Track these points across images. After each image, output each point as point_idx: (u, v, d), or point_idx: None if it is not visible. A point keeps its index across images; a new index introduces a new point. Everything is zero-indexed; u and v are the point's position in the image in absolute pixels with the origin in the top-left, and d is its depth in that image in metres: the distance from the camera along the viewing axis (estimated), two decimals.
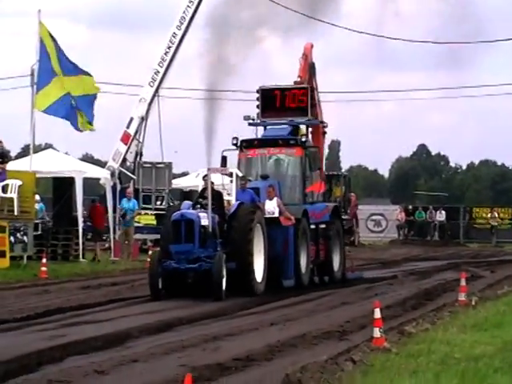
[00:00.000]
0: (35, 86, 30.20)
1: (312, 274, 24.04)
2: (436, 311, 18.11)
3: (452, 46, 31.77)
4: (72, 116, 30.51)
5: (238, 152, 24.80)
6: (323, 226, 24.98)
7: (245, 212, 21.13)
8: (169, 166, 41.75)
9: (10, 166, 30.52)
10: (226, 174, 22.88)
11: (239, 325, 16.64)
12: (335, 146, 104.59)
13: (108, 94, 48.09)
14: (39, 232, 32.09)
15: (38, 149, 35.51)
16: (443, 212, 60.64)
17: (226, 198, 21.82)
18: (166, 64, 40.20)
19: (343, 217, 51.79)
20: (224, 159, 23.90)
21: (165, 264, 20.21)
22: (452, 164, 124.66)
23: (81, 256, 31.85)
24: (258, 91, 26.60)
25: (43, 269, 26.11)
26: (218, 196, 21.01)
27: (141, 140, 42.66)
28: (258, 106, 26.36)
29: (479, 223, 60.43)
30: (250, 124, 26.47)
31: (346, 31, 37.60)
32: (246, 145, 24.97)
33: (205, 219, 20.35)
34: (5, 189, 28.30)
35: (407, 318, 17.11)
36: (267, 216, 21.98)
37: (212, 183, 21.15)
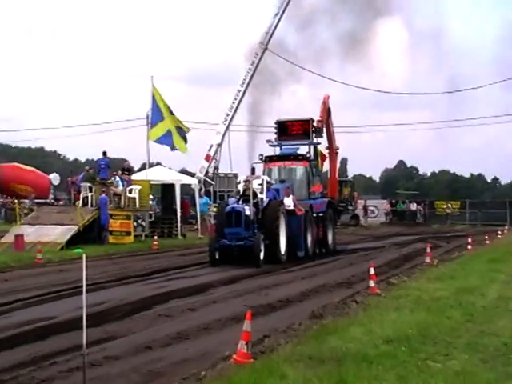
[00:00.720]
0: (149, 125, 30.53)
1: (314, 247, 23.42)
2: (411, 269, 18.02)
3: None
4: (172, 144, 30.82)
5: (262, 164, 24.31)
6: (321, 214, 24.29)
7: (273, 206, 20.75)
8: (235, 175, 42.36)
9: (134, 176, 30.84)
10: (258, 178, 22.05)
11: (281, 279, 16.68)
12: (344, 161, 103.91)
13: (198, 129, 48.57)
14: (152, 219, 32.28)
15: (151, 165, 35.65)
16: (415, 204, 60.58)
17: (259, 196, 21.10)
18: (233, 109, 40.29)
19: (349, 207, 52.08)
20: (253, 169, 22.98)
21: (221, 242, 19.61)
22: (421, 172, 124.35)
23: (179, 234, 32.02)
24: (275, 123, 26.23)
25: (155, 243, 26.31)
26: (254, 194, 20.33)
27: (217, 159, 42.88)
28: (275, 133, 26.01)
29: (439, 211, 60.11)
30: (270, 145, 26.11)
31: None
32: (268, 159, 24.57)
33: (247, 211, 19.82)
34: (130, 191, 28.60)
35: (392, 273, 17.04)
36: (286, 208, 21.48)
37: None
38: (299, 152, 25.14)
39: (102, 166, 28.28)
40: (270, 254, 19.82)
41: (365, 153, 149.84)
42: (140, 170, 42.70)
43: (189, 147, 31.97)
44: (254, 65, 38.95)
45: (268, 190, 21.82)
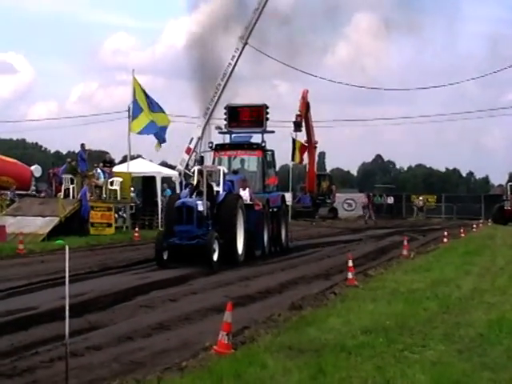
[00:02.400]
0: (131, 117, 30.33)
1: (270, 245, 21.03)
2: (388, 261, 18.13)
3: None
4: (156, 134, 30.61)
5: (212, 153, 21.84)
6: (276, 209, 21.72)
7: (230, 200, 18.33)
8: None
9: (115, 169, 30.76)
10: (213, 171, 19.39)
11: (260, 270, 16.68)
12: (322, 155, 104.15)
13: (178, 122, 48.31)
14: (133, 211, 32.19)
15: (132, 158, 35.44)
16: (392, 197, 60.80)
17: (215, 188, 18.43)
18: (213, 103, 40.05)
19: (327, 201, 52.30)
20: (202, 158, 21.53)
21: (170, 240, 17.10)
22: (397, 166, 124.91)
23: (159, 226, 31.86)
24: (225, 107, 23.75)
25: (136, 234, 26.25)
26: (209, 187, 17.79)
27: (198, 151, 42.59)
28: (225, 119, 23.45)
29: (415, 205, 60.39)
30: (219, 132, 23.71)
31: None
32: (219, 148, 21.95)
33: (200, 206, 17.20)
34: (112, 183, 28.50)
35: (369, 265, 17.13)
36: (244, 203, 19.08)
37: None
38: (253, 140, 22.42)
39: (78, 158, 28.31)
40: (226, 253, 17.42)
41: (343, 147, 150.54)
42: (121, 162, 42.49)
43: (168, 141, 31.91)
44: (234, 59, 38.71)
45: (223, 182, 19.27)
